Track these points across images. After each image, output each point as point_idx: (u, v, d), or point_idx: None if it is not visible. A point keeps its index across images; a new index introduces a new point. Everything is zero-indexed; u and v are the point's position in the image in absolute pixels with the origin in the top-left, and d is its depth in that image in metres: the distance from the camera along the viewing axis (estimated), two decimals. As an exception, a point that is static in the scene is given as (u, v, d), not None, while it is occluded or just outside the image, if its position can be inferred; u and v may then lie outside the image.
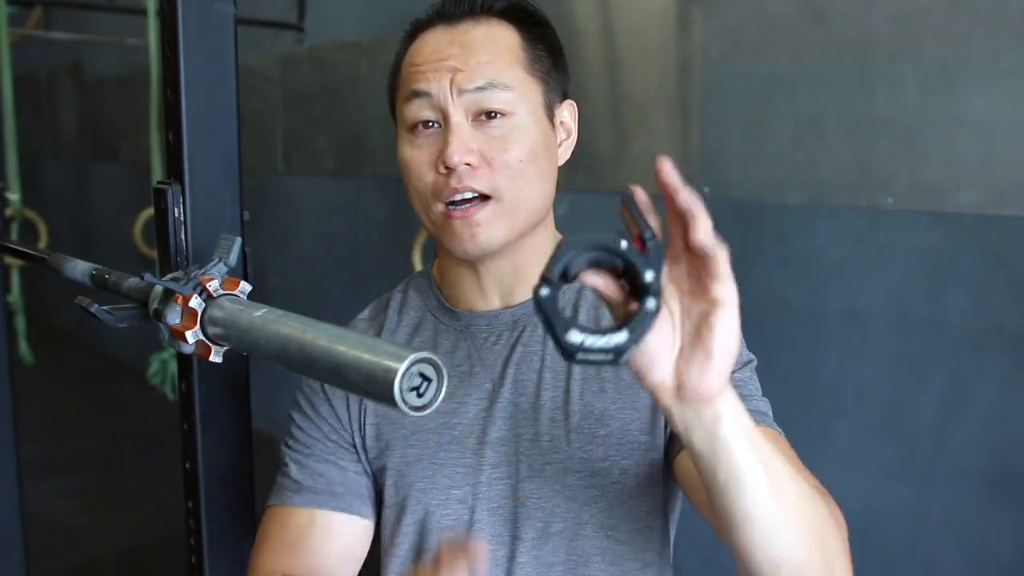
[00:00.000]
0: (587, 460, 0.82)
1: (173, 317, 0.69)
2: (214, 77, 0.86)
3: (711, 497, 0.63)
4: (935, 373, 1.73)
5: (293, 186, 3.73)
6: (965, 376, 1.69)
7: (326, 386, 0.95)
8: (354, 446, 0.92)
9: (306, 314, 0.60)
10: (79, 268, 0.88)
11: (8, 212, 3.40)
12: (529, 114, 0.82)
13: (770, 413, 0.81)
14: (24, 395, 1.52)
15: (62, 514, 3.19)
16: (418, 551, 0.87)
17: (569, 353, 0.54)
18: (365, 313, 0.98)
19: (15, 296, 3.59)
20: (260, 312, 0.63)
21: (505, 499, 0.84)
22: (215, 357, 0.69)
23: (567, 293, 0.89)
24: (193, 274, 0.70)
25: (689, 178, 0.60)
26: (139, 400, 4.20)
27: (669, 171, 0.55)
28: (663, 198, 0.56)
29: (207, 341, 0.68)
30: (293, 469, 0.92)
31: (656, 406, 0.82)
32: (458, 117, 0.80)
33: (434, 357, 0.50)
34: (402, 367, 0.49)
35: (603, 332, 0.54)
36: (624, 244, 0.54)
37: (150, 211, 2.09)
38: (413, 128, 0.83)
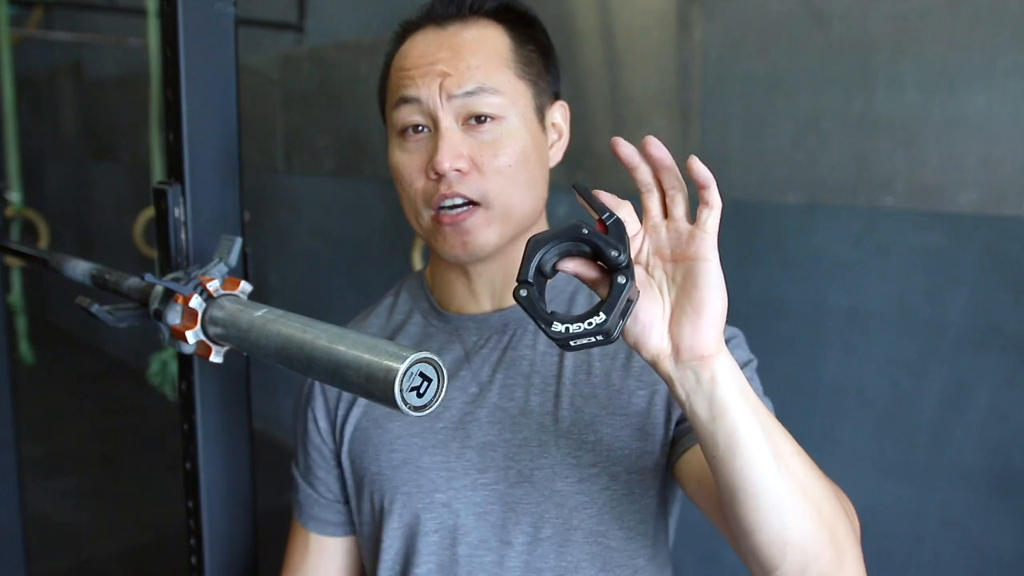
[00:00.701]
0: (576, 466, 0.82)
1: (173, 317, 0.70)
2: (214, 77, 0.86)
3: (715, 475, 0.62)
4: (935, 373, 1.73)
5: (293, 186, 3.73)
6: (965, 376, 1.69)
7: (312, 397, 0.95)
8: (337, 457, 0.93)
9: (306, 314, 0.60)
10: (80, 268, 0.88)
11: (9, 212, 3.40)
12: (519, 118, 0.82)
13: (774, 412, 0.81)
14: (25, 395, 1.52)
15: (62, 514, 3.19)
16: (405, 556, 0.87)
17: (561, 343, 0.57)
18: (358, 316, 0.99)
19: (16, 296, 3.59)
20: (260, 312, 0.63)
21: (493, 504, 0.84)
22: (215, 357, 0.69)
23: (561, 285, 0.89)
24: (193, 274, 0.70)
25: (689, 178, 0.61)
26: (139, 400, 4.20)
27: (656, 146, 0.60)
28: (652, 171, 0.62)
29: (207, 341, 0.68)
30: (298, 489, 0.99)
31: (663, 404, 0.83)
32: (448, 122, 0.80)
33: (434, 357, 0.50)
34: (402, 367, 0.49)
35: (583, 318, 0.57)
36: (586, 230, 0.58)
37: (150, 211, 2.09)
38: (403, 133, 0.83)
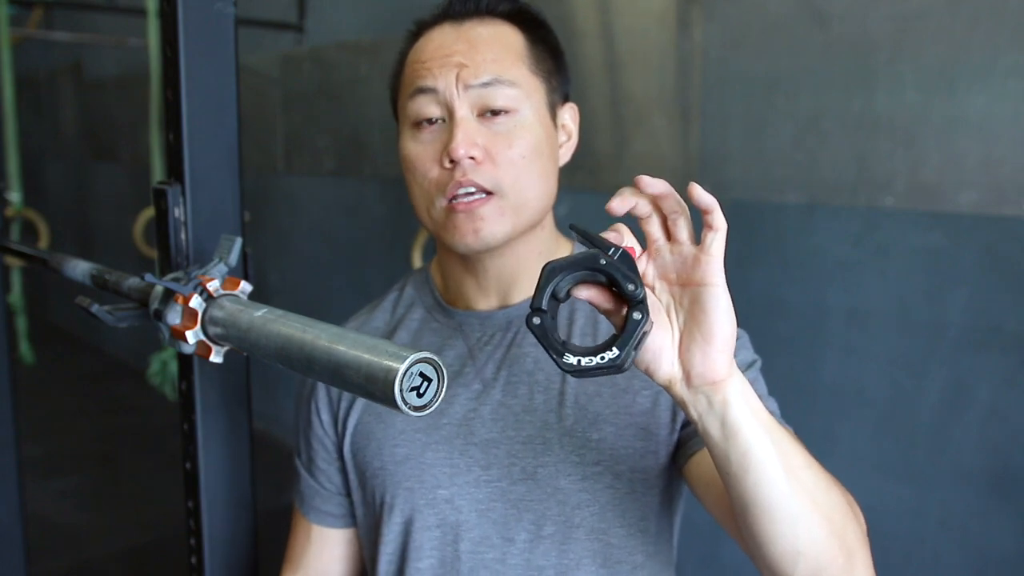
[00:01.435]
0: (579, 464, 0.82)
1: (174, 317, 0.70)
2: (214, 77, 0.86)
3: (728, 488, 0.63)
4: (935, 373, 1.73)
5: (293, 186, 3.73)
6: (965, 376, 1.69)
7: (315, 388, 0.95)
8: (339, 449, 0.93)
9: (306, 314, 0.60)
10: (80, 268, 0.88)
11: (9, 212, 3.40)
12: (533, 112, 0.83)
13: (778, 412, 0.81)
14: (25, 395, 1.52)
15: (62, 514, 3.19)
16: (406, 551, 0.87)
17: (573, 374, 0.57)
18: (363, 311, 0.99)
19: (16, 296, 3.59)
20: (260, 312, 0.63)
21: (495, 501, 0.84)
22: (215, 357, 0.69)
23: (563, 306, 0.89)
24: (193, 274, 0.70)
25: (689, 178, 0.61)
26: (139, 400, 4.20)
27: (649, 184, 0.60)
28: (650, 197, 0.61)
29: (207, 341, 0.68)
30: (300, 479, 0.99)
31: (668, 405, 0.83)
32: (463, 112, 0.81)
33: (434, 357, 0.50)
34: (402, 367, 0.49)
35: (597, 351, 0.57)
36: (603, 261, 0.58)
37: (150, 211, 2.09)
38: (417, 124, 0.83)
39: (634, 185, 0.61)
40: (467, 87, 0.80)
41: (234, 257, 0.73)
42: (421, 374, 0.50)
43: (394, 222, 3.16)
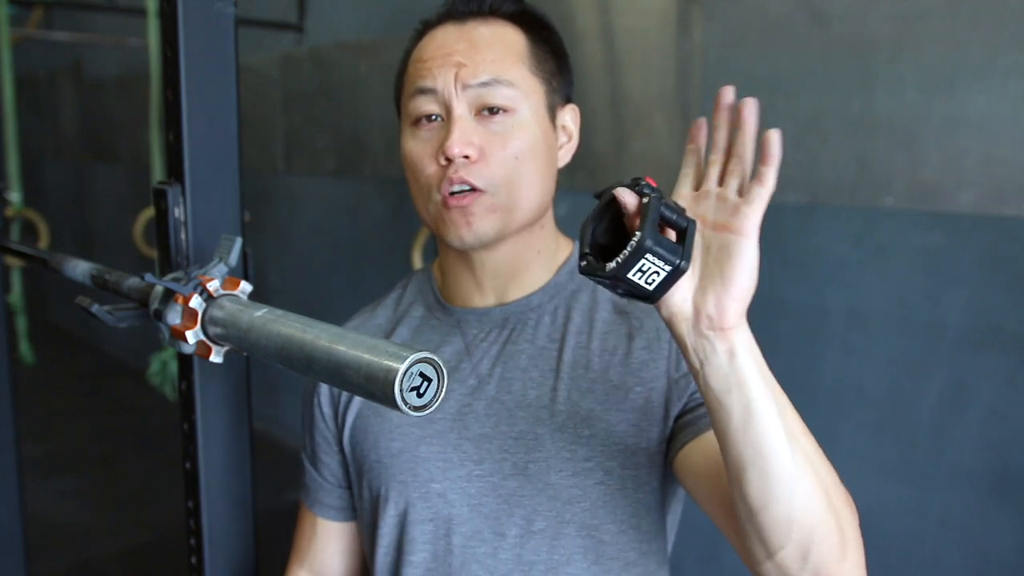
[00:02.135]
0: (571, 460, 0.82)
1: (173, 317, 0.70)
2: (214, 77, 0.86)
3: (727, 448, 0.62)
4: (935, 373, 1.73)
5: (293, 186, 3.73)
6: (965, 376, 1.69)
7: (318, 387, 0.97)
8: (340, 443, 0.94)
9: (306, 314, 0.60)
10: (80, 268, 0.88)
11: (9, 212, 3.40)
12: (531, 113, 0.83)
13: None
14: (25, 395, 1.52)
15: (62, 514, 3.19)
16: (401, 544, 0.88)
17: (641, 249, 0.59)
18: (366, 308, 1.00)
19: (16, 296, 3.59)
20: (260, 312, 0.63)
21: (487, 496, 0.84)
22: (215, 357, 0.69)
23: (564, 282, 0.89)
24: (193, 274, 0.70)
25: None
26: (139, 400, 4.20)
27: (753, 110, 0.62)
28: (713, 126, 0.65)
29: (207, 341, 0.68)
30: (305, 473, 1.01)
31: (661, 401, 0.83)
32: (461, 110, 0.81)
33: (434, 357, 0.50)
34: (402, 367, 0.49)
35: (663, 253, 0.59)
36: (641, 188, 0.61)
37: (150, 211, 2.09)
38: (417, 122, 0.84)
39: (739, 107, 0.63)
40: (465, 87, 0.81)
41: (234, 257, 0.73)
42: (421, 374, 0.50)
43: (394, 222, 3.16)
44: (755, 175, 0.61)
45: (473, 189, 0.81)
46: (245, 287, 0.70)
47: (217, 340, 0.68)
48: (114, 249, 5.19)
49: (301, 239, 3.74)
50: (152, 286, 0.73)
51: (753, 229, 0.60)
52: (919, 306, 1.74)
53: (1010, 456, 1.64)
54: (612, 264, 0.59)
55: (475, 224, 0.81)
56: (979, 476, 1.68)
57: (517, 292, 0.89)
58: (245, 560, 0.98)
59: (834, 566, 0.63)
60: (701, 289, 0.61)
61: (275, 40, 3.59)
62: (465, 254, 0.87)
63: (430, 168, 0.83)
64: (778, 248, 1.96)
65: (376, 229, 3.30)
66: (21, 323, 3.67)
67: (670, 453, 0.82)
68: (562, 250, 0.92)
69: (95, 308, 0.75)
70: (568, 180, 0.96)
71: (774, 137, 0.60)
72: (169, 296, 0.71)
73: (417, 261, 2.60)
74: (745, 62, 1.95)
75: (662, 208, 0.60)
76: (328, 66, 3.40)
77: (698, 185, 0.66)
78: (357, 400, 0.93)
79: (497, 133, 0.81)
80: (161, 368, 3.18)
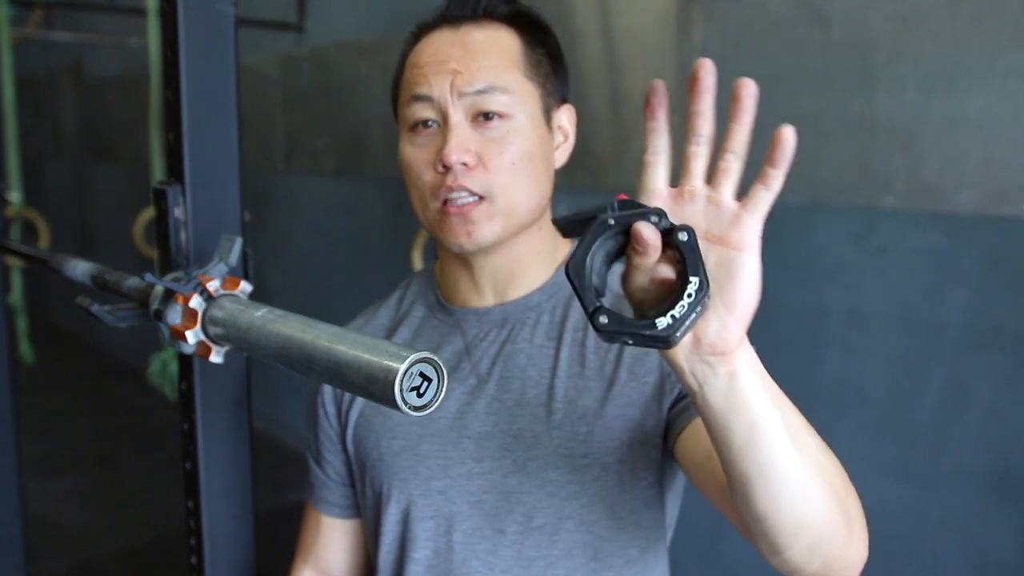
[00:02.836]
0: (568, 456, 0.83)
1: (174, 317, 0.70)
2: (214, 77, 0.86)
3: (729, 463, 0.59)
4: (935, 373, 1.73)
5: (293, 186, 3.73)
6: (965, 376, 1.69)
7: (322, 385, 0.97)
8: (343, 440, 0.95)
9: (306, 314, 0.60)
10: (80, 268, 0.88)
11: (9, 212, 3.40)
12: (527, 117, 0.84)
13: None
14: (25, 395, 1.52)
15: (62, 514, 3.19)
16: (403, 541, 0.89)
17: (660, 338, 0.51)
18: (369, 308, 1.01)
19: (17, 296, 3.59)
20: (260, 312, 0.63)
21: (487, 493, 0.85)
22: (215, 357, 0.69)
23: (562, 280, 0.90)
24: (193, 274, 0.71)
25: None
26: (139, 400, 4.20)
27: (751, 86, 0.52)
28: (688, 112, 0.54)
29: (207, 341, 0.68)
30: (310, 471, 1.02)
31: (654, 394, 0.83)
32: (457, 118, 0.82)
33: (434, 357, 0.50)
34: (402, 367, 0.49)
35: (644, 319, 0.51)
36: (611, 221, 0.52)
37: (150, 211, 2.09)
38: (414, 128, 0.85)
39: (735, 87, 0.52)
40: (461, 95, 0.82)
41: (234, 257, 0.73)
42: (421, 374, 0.50)
43: (394, 222, 3.16)
44: (760, 177, 0.53)
45: (473, 196, 0.82)
46: (245, 287, 0.70)
47: (217, 340, 0.68)
48: (114, 249, 5.19)
49: (301, 239, 3.74)
50: (152, 286, 0.73)
51: (756, 242, 0.53)
52: (919, 306, 1.74)
53: (1010, 456, 1.64)
54: (665, 321, 0.50)
55: (475, 231, 0.82)
56: (979, 476, 1.68)
57: (516, 292, 0.89)
58: (245, 560, 0.99)
59: (843, 552, 0.62)
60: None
61: (275, 40, 3.59)
62: (464, 258, 0.88)
63: (427, 175, 0.83)
64: (778, 248, 1.96)
65: (376, 229, 3.30)
66: (21, 323, 3.67)
67: (668, 442, 0.82)
68: (560, 249, 0.92)
69: (95, 308, 0.75)
70: (568, 180, 0.96)
71: (788, 135, 0.53)
72: (169, 296, 0.71)
73: (417, 261, 2.60)
74: (745, 62, 1.95)
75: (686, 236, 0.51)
76: (328, 66, 3.40)
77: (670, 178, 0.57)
78: (360, 399, 0.93)
79: (494, 139, 0.82)
80: (161, 368, 3.18)
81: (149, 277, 0.70)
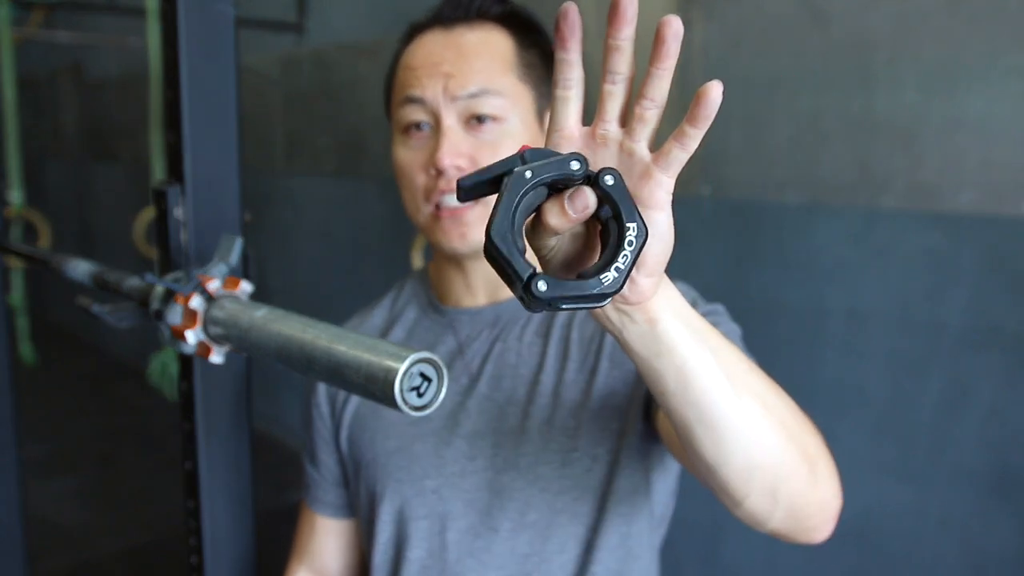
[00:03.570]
0: (558, 451, 0.84)
1: (174, 317, 0.70)
2: (214, 77, 0.86)
3: (669, 410, 0.57)
4: (935, 373, 1.73)
5: (293, 186, 3.73)
6: (965, 376, 1.69)
7: (316, 386, 0.98)
8: (336, 440, 0.96)
9: (306, 314, 0.60)
10: (80, 268, 0.88)
11: (10, 212, 3.40)
12: (520, 120, 0.84)
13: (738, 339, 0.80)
14: (25, 395, 1.53)
15: (62, 514, 3.19)
16: (398, 541, 0.89)
17: (547, 305, 0.46)
18: (363, 309, 1.01)
19: (17, 297, 3.59)
20: (260, 312, 0.63)
21: (480, 491, 0.86)
22: (215, 357, 0.69)
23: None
24: (194, 274, 0.71)
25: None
26: (140, 400, 4.20)
27: (675, 21, 0.46)
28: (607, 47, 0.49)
29: (208, 341, 0.68)
30: (305, 472, 1.03)
31: (635, 381, 0.83)
32: (450, 121, 0.82)
33: (434, 357, 0.50)
34: (402, 367, 0.49)
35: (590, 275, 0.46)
36: (528, 172, 0.46)
37: (150, 211, 2.09)
38: (406, 130, 0.85)
39: (660, 26, 0.45)
40: (454, 98, 0.82)
41: (234, 257, 0.73)
42: (421, 374, 0.50)
43: (394, 222, 3.16)
44: (676, 134, 0.47)
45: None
46: (245, 287, 0.70)
47: (217, 340, 0.68)
48: (114, 249, 5.19)
49: (301, 239, 3.74)
50: (152, 286, 0.74)
51: (668, 201, 0.48)
52: (919, 306, 1.74)
53: (1010, 456, 1.64)
54: (611, 275, 0.45)
55: (468, 233, 0.83)
56: (979, 476, 1.68)
57: (508, 292, 0.90)
58: (245, 560, 0.98)
59: (807, 495, 0.60)
60: None
61: (275, 40, 3.59)
62: (457, 259, 0.88)
63: (420, 179, 0.84)
64: (778, 248, 1.96)
65: (376, 229, 3.30)
66: (22, 323, 3.68)
67: (651, 422, 0.83)
68: None
69: (95, 308, 0.75)
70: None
71: (714, 92, 0.45)
72: (169, 296, 0.71)
73: (417, 261, 2.60)
74: (745, 62, 1.95)
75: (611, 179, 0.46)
76: (328, 66, 3.40)
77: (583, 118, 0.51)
78: (354, 399, 0.94)
79: (487, 142, 0.82)
80: (161, 368, 3.18)
81: (149, 277, 0.70)
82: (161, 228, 0.86)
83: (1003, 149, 1.60)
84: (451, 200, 0.82)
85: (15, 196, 3.43)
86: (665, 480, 0.89)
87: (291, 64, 3.61)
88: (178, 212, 0.85)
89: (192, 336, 0.68)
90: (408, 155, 0.85)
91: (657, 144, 0.50)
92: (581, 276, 0.46)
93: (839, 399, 1.86)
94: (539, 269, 0.47)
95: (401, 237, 3.00)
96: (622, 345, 0.55)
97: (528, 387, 0.86)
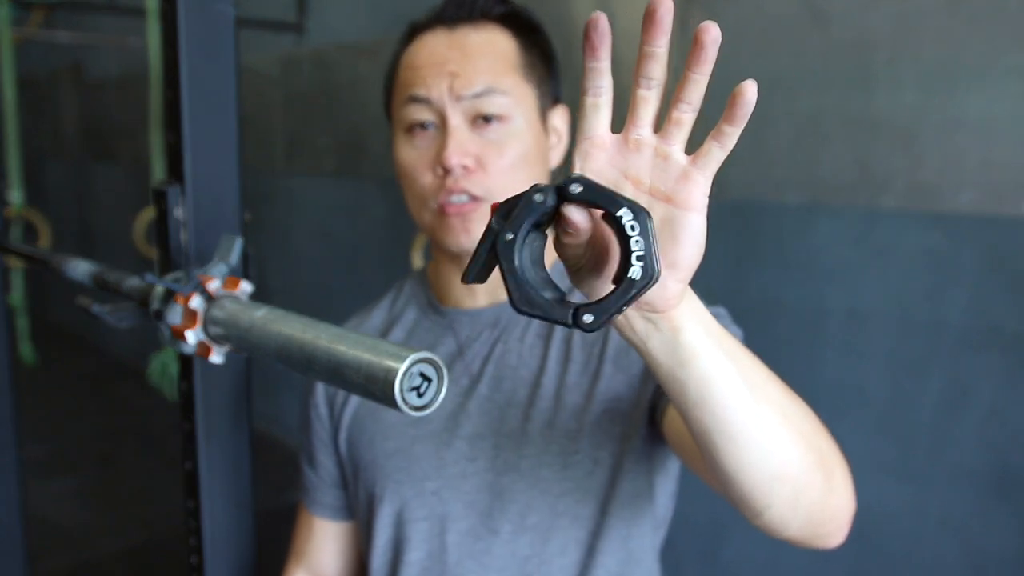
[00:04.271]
0: (560, 453, 0.83)
1: (174, 317, 0.70)
2: (214, 77, 0.86)
3: (689, 421, 0.56)
4: (935, 373, 1.73)
5: (293, 186, 3.73)
6: (965, 376, 1.69)
7: (314, 385, 0.97)
8: (335, 442, 0.95)
9: (306, 314, 0.60)
10: (80, 268, 0.88)
11: (9, 212, 3.40)
12: (524, 119, 0.84)
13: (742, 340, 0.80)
14: (26, 395, 1.52)
15: (62, 514, 3.19)
16: (396, 543, 0.89)
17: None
18: (362, 310, 1.01)
19: (17, 297, 3.59)
20: (260, 312, 0.63)
21: (481, 493, 0.85)
22: (215, 357, 0.69)
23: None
24: (194, 274, 0.71)
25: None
26: (140, 400, 4.20)
27: (713, 28, 0.46)
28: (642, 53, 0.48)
29: (208, 341, 0.68)
30: (303, 474, 1.02)
31: (639, 385, 0.83)
32: (456, 120, 0.82)
33: (434, 357, 0.50)
34: (403, 367, 0.49)
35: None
36: (539, 196, 0.45)
37: (150, 211, 2.09)
38: (410, 129, 0.85)
39: (698, 33, 0.46)
40: (460, 97, 0.82)
41: (234, 257, 0.73)
42: (421, 374, 0.50)
43: (394, 222, 3.16)
44: (715, 133, 0.49)
45: (472, 198, 0.82)
46: (245, 287, 0.70)
47: (217, 340, 0.68)
48: (114, 249, 5.19)
49: (301, 239, 3.74)
50: (152, 286, 0.73)
51: (704, 201, 0.48)
52: (919, 306, 1.74)
53: (1010, 456, 1.64)
54: (636, 268, 0.44)
55: (473, 231, 0.83)
56: (979, 476, 1.68)
57: None
58: (245, 560, 0.98)
59: (825, 503, 0.60)
60: None
61: (275, 40, 3.59)
62: (459, 258, 0.88)
63: (425, 178, 0.83)
64: (778, 248, 1.96)
65: (376, 229, 3.30)
66: (22, 323, 3.68)
67: (656, 424, 0.83)
68: (550, 248, 0.92)
69: (95, 308, 0.75)
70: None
71: (750, 91, 0.48)
72: (169, 296, 0.71)
73: (417, 261, 2.60)
74: (745, 62, 1.95)
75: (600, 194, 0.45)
76: (328, 66, 3.40)
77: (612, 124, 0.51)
78: (353, 401, 0.93)
79: (493, 142, 0.82)
80: (161, 368, 3.18)
81: (149, 277, 0.70)
82: (161, 228, 0.86)
83: (1003, 149, 1.60)
84: (458, 198, 0.82)
85: (15, 196, 3.43)
86: (666, 483, 0.89)
87: (291, 64, 3.61)
88: (178, 212, 0.85)
89: (192, 336, 0.68)
90: (413, 154, 0.85)
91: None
92: (616, 282, 0.46)
93: (839, 399, 1.86)
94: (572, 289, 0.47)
95: (401, 237, 3.00)
96: (644, 355, 0.54)
97: (529, 389, 0.86)
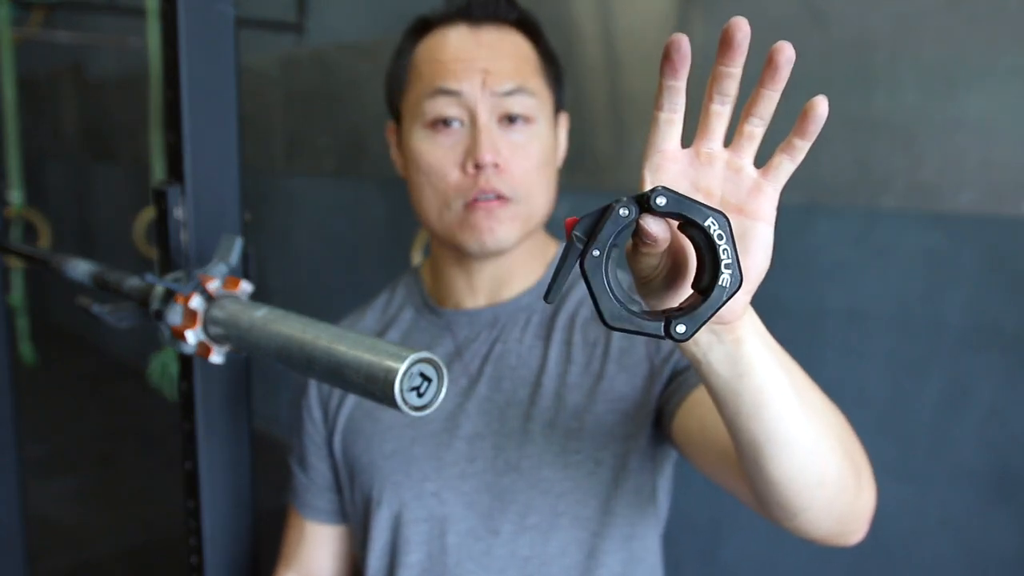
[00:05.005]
0: (561, 454, 0.83)
1: (174, 317, 0.70)
2: (214, 77, 0.86)
3: (738, 431, 0.57)
4: (935, 373, 1.73)
5: (293, 186, 3.73)
6: (965, 376, 1.69)
7: (307, 387, 0.97)
8: (329, 445, 0.95)
9: (306, 314, 0.60)
10: (80, 268, 0.88)
11: (9, 212, 3.40)
12: (546, 122, 0.84)
13: None
14: (26, 395, 1.52)
15: (62, 514, 3.19)
16: (395, 545, 0.88)
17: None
18: (354, 312, 1.01)
19: (17, 297, 3.59)
20: (261, 312, 0.63)
21: (480, 493, 0.85)
22: (215, 357, 0.69)
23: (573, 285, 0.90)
24: (194, 274, 0.71)
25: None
26: (140, 400, 4.20)
27: (788, 49, 0.47)
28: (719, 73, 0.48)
29: (208, 341, 0.68)
30: (293, 476, 1.02)
31: (644, 386, 0.83)
32: (485, 117, 0.81)
33: (434, 357, 0.50)
34: (403, 367, 0.49)
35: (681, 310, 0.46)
36: (624, 210, 0.45)
37: (150, 211, 2.09)
38: (434, 124, 0.84)
39: (772, 55, 0.46)
40: (492, 94, 0.81)
41: (234, 257, 0.73)
42: (421, 374, 0.50)
43: (394, 222, 3.16)
44: (785, 146, 0.50)
45: (499, 197, 0.81)
46: (245, 287, 0.70)
47: (217, 340, 0.68)
48: (114, 249, 5.19)
49: (301, 239, 3.74)
50: (152, 286, 0.74)
51: (775, 212, 0.50)
52: (919, 306, 1.74)
53: (1010, 456, 1.64)
54: (726, 276, 0.44)
55: (498, 230, 0.82)
56: (979, 476, 1.68)
57: (509, 293, 0.89)
58: (245, 560, 0.98)
59: (853, 504, 0.62)
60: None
61: (275, 40, 3.59)
62: (465, 259, 0.87)
63: (452, 175, 0.82)
64: (777, 248, 1.95)
65: (376, 229, 3.30)
66: (22, 323, 3.67)
67: (663, 426, 0.83)
68: (549, 248, 0.92)
69: (95, 308, 0.75)
70: (568, 180, 0.96)
71: (822, 107, 0.49)
72: (169, 296, 0.71)
73: (417, 261, 2.60)
74: (745, 62, 1.95)
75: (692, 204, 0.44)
76: (328, 66, 3.40)
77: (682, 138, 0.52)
78: (348, 403, 0.93)
79: (518, 143, 0.82)
80: (161, 368, 3.18)
81: (149, 277, 0.70)
82: (161, 228, 0.86)
83: (1003, 149, 1.60)
84: (486, 196, 0.82)
85: (15, 196, 3.43)
86: (665, 481, 0.89)
87: (291, 64, 3.61)
88: (178, 212, 0.85)
89: (192, 336, 0.68)
90: (438, 152, 0.83)
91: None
92: (702, 293, 0.46)
93: (839, 399, 1.86)
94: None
95: (401, 237, 3.00)
96: (702, 367, 0.54)
97: (530, 389, 0.85)
